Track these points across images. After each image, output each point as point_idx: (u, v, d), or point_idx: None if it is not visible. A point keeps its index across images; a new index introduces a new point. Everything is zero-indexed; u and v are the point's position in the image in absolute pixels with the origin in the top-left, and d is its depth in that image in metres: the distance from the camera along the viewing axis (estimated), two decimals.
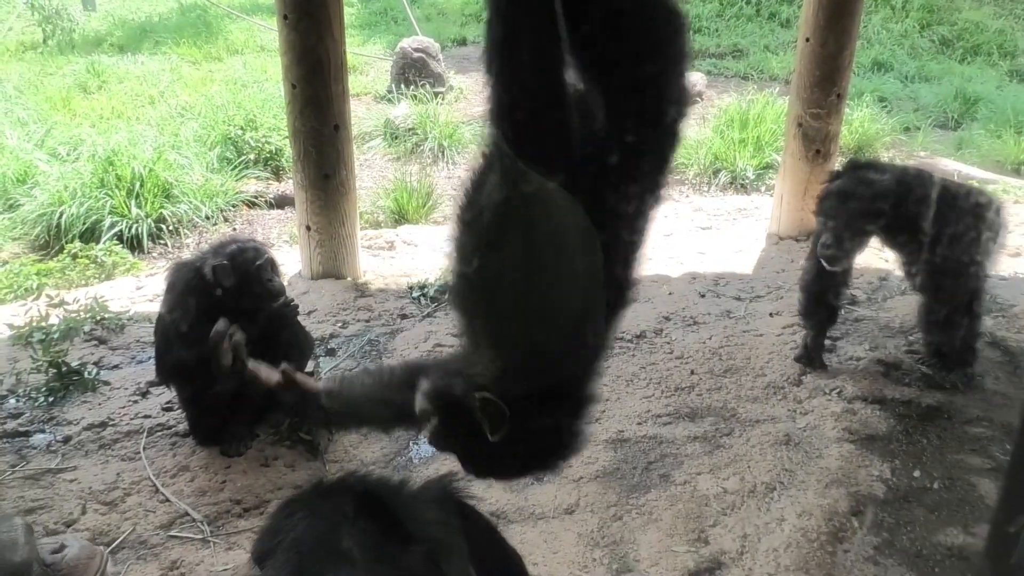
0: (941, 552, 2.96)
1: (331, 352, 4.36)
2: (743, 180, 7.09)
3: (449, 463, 3.32)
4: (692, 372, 4.09)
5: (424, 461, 3.49)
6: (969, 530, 3.05)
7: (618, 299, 1.64)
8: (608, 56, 1.45)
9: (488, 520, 1.94)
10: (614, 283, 1.59)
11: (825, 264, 3.78)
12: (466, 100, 8.96)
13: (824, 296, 3.98)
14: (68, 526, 3.01)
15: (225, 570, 2.82)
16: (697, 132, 7.76)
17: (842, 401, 3.83)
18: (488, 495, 3.16)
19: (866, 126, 7.80)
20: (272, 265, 3.57)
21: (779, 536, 2.99)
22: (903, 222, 3.76)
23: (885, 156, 7.73)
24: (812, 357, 4.10)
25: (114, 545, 2.94)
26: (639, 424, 3.70)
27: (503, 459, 1.76)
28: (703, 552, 2.93)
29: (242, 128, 7.19)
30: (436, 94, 8.58)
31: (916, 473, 3.38)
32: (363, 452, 3.54)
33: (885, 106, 8.77)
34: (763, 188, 7.05)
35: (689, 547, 2.95)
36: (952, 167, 7.42)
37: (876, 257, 5.39)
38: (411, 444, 3.61)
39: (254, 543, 1.57)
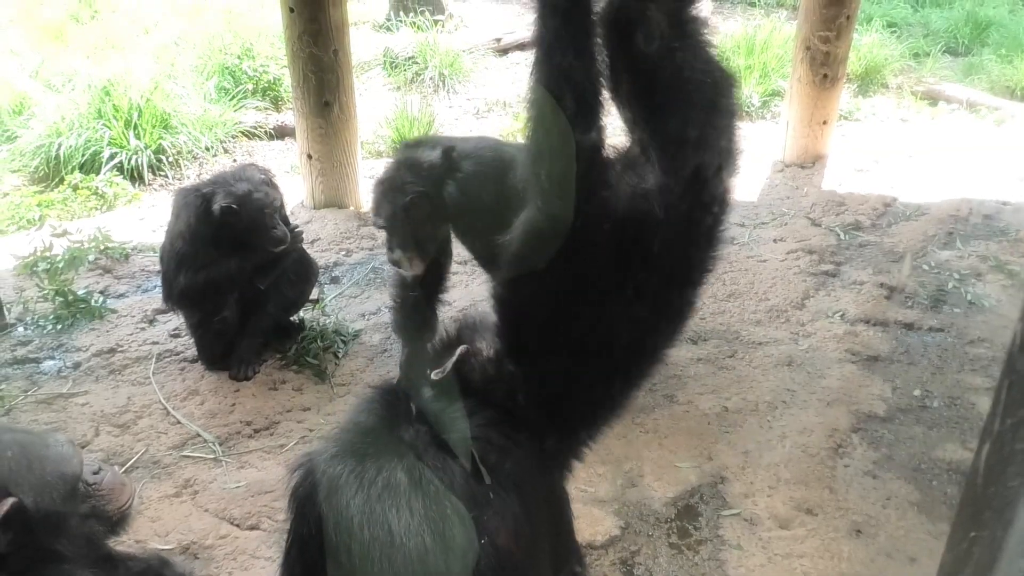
0: (939, 467, 3.02)
1: (335, 280, 4.37)
2: (748, 107, 6.97)
3: None
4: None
5: None
6: (967, 446, 3.10)
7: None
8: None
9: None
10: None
11: (402, 271, 3.26)
12: (466, 28, 8.77)
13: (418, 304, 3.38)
14: (83, 447, 3.07)
15: (238, 487, 2.88)
16: None
17: (844, 323, 3.86)
18: None
19: (874, 52, 7.64)
20: (279, 212, 3.52)
21: (780, 452, 3.05)
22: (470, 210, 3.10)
23: (893, 82, 7.60)
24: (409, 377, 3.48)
25: (128, 465, 3.01)
26: None
27: None
28: (706, 468, 2.99)
29: (239, 57, 7.05)
30: (436, 22, 8.39)
31: (916, 392, 3.42)
32: (368, 376, 3.58)
33: (894, 31, 8.58)
34: (768, 115, 6.95)
35: (692, 463, 3.01)
36: (960, 94, 7.31)
37: (881, 185, 5.37)
38: None
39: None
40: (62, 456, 1.74)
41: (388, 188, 3.11)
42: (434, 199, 3.06)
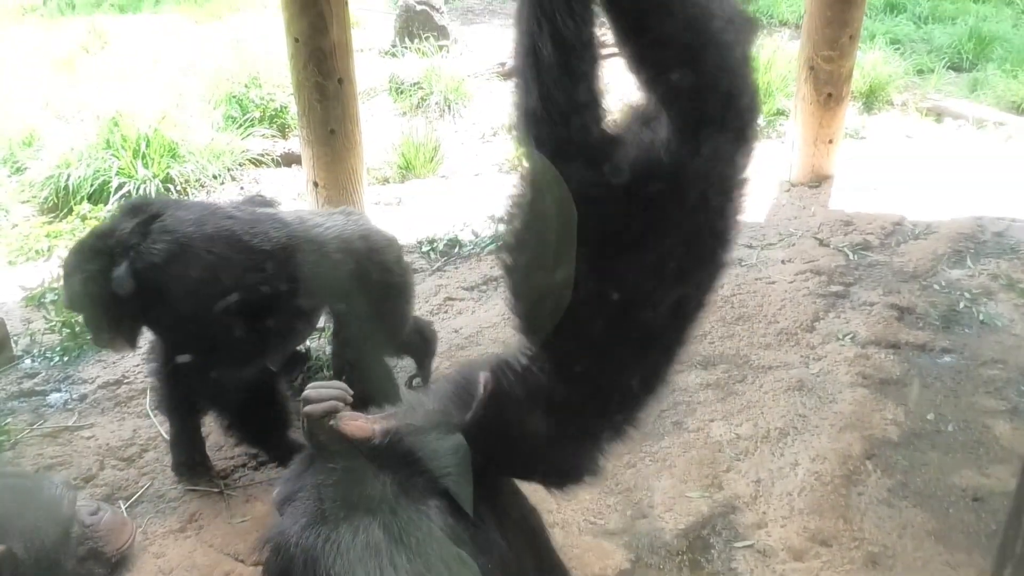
0: (956, 493, 2.96)
1: None
2: None
3: None
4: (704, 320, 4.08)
5: None
6: (984, 471, 3.05)
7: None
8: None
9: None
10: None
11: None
12: (471, 53, 8.81)
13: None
14: (87, 482, 3.06)
15: (243, 521, 2.85)
16: None
17: (855, 346, 3.81)
18: None
19: (878, 69, 7.63)
20: None
21: (793, 480, 3.00)
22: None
23: (898, 99, 7.58)
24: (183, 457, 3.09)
25: (133, 499, 2.99)
26: None
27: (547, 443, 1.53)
28: (717, 497, 2.95)
29: (246, 86, 7.11)
30: (440, 47, 8.44)
31: (930, 416, 3.37)
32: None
33: (898, 48, 8.58)
34: (774, 135, 6.94)
35: (703, 492, 2.97)
36: (966, 109, 7.29)
37: (889, 203, 5.34)
38: None
39: (277, 490, 1.59)
40: (54, 499, 1.72)
41: (66, 262, 2.84)
42: (107, 273, 2.71)
